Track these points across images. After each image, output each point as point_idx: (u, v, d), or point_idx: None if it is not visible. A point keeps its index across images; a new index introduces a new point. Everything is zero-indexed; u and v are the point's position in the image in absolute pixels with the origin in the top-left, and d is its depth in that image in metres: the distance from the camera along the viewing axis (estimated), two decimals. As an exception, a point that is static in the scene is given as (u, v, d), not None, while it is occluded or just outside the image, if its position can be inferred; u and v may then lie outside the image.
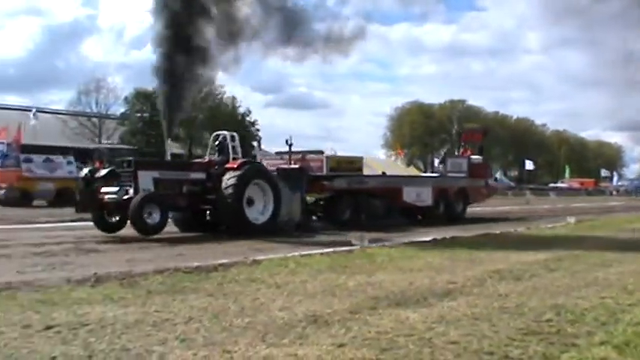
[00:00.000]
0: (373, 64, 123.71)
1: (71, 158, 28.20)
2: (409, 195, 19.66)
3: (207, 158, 16.19)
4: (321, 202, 18.00)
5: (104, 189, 13.78)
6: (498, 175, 75.30)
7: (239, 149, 15.73)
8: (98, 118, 51.77)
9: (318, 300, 6.53)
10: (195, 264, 9.07)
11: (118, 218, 14.00)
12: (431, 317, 5.71)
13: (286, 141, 17.96)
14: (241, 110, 62.82)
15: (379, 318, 5.70)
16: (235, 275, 8.20)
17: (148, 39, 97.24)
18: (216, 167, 15.12)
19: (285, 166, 17.32)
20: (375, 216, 18.54)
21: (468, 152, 24.42)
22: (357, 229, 14.14)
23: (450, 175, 22.76)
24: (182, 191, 14.48)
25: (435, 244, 12.80)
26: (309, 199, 17.64)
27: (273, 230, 14.73)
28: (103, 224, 14.00)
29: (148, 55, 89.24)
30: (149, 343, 4.85)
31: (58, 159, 27.61)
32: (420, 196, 19.97)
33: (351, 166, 18.53)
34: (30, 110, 40.05)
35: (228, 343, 4.85)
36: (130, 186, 13.64)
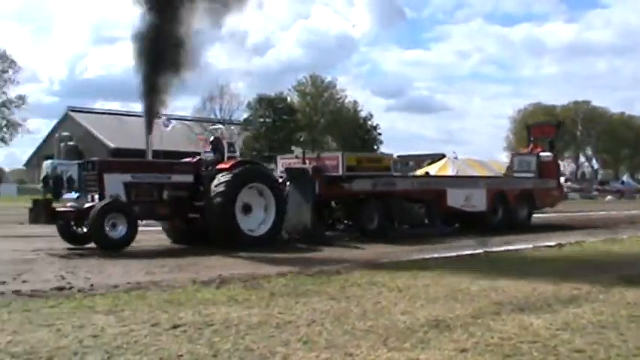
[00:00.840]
0: (494, 66, 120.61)
1: None
2: (455, 198, 17.37)
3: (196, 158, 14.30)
4: (344, 208, 16.25)
5: (66, 196, 12.64)
6: (625, 177, 70.93)
7: (237, 147, 14.39)
8: (222, 123, 54.54)
9: (440, 304, 6.61)
10: (318, 267, 9.47)
11: (86, 229, 12.35)
12: (555, 324, 5.68)
13: (299, 136, 17.63)
14: (362, 114, 63.99)
15: (502, 324, 5.72)
16: (357, 279, 8.40)
17: (270, 46, 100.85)
18: (206, 168, 13.58)
19: (292, 167, 15.77)
20: (412, 223, 16.90)
21: (538, 149, 21.70)
22: (385, 241, 14.00)
23: (516, 174, 20.57)
24: (162, 197, 12.84)
25: (559, 248, 12.65)
26: (332, 204, 16.20)
27: (274, 243, 13.16)
28: (68, 235, 12.50)
29: (270, 61, 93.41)
30: (272, 344, 5.03)
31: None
32: (470, 199, 17.67)
33: (375, 165, 16.25)
34: (161, 117, 42.93)
35: (350, 346, 4.97)
36: (96, 191, 12.23)
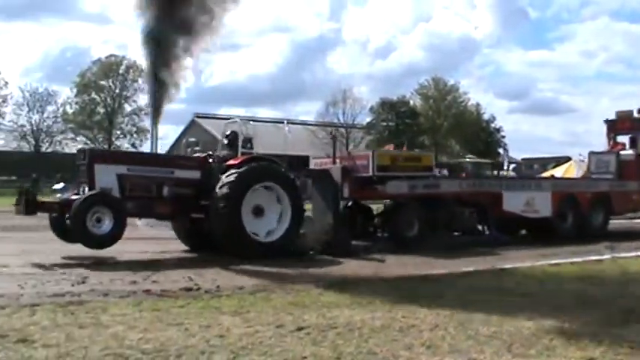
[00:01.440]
0: (621, 65, 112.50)
1: None
2: (513, 202, 15.76)
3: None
4: (379, 214, 15.21)
5: (55, 186, 12.19)
6: None
7: (253, 143, 13.53)
8: (345, 128, 55.45)
9: (566, 311, 6.58)
10: (442, 271, 9.41)
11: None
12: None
13: (330, 132, 16.61)
14: (485, 117, 62.98)
15: (632, 332, 5.65)
16: (481, 283, 8.54)
17: (392, 49, 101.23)
18: (215, 164, 12.80)
19: (314, 168, 14.84)
20: (462, 230, 15.62)
21: (619, 146, 19.42)
22: (422, 252, 12.80)
23: (594, 176, 18.56)
24: (162, 194, 12.06)
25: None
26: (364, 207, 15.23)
27: (287, 251, 12.03)
28: (59, 229, 11.79)
29: (392, 64, 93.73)
30: (395, 347, 5.19)
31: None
32: (531, 204, 16.01)
33: (413, 164, 14.73)
34: (282, 122, 44.32)
35: (473, 351, 5.09)
36: (87, 183, 11.66)
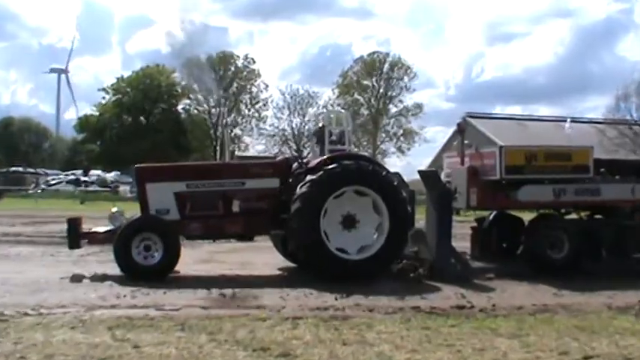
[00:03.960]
0: None
1: None
2: None
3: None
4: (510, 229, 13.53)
5: (112, 209, 12.20)
6: None
7: (348, 139, 12.59)
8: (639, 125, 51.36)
9: None
10: None
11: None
12: None
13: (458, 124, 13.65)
14: None
15: None
16: None
17: None
18: (295, 170, 12.17)
19: (424, 169, 13.51)
20: (638, 252, 12.93)
21: None
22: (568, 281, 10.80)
23: None
24: (232, 210, 11.72)
25: None
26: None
27: (376, 275, 10.98)
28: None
29: None
30: None
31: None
32: None
33: (560, 163, 12.59)
34: (564, 120, 42.44)
35: None
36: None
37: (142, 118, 65.52)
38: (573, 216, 13.54)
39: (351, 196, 11.47)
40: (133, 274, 10.59)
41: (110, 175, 57.84)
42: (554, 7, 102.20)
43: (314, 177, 11.16)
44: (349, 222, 11.44)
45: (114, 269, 10.91)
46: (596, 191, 12.67)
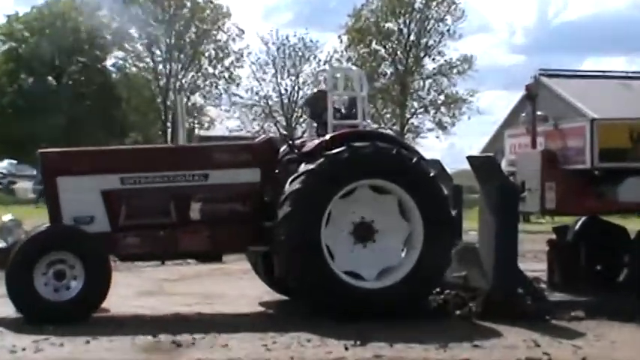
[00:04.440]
0: None
1: None
2: None
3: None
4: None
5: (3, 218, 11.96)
6: None
7: (362, 110, 12.37)
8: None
9: None
10: None
11: None
12: None
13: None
14: None
15: None
16: None
17: None
18: (284, 156, 12.06)
19: (475, 155, 13.71)
20: None
21: None
22: None
23: None
24: (188, 216, 11.69)
25: None
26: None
27: (407, 309, 10.91)
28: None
29: None
30: None
31: None
32: None
33: None
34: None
35: None
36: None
37: (50, 78, 64.50)
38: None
39: (367, 194, 11.44)
40: (38, 315, 10.34)
41: (2, 166, 55.22)
42: None
43: (311, 166, 10.96)
44: (364, 232, 11.37)
45: (7, 307, 10.68)
46: None
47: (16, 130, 56.66)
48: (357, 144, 11.13)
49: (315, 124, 12.90)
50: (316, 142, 11.63)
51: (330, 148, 11.13)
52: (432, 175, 11.41)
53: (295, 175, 11.04)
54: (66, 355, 8.76)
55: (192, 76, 64.08)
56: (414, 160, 11.41)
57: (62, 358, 8.62)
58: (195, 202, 11.70)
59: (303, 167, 11.08)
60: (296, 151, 11.83)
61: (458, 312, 11.30)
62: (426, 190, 11.24)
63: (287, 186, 11.00)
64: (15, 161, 53.60)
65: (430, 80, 64.11)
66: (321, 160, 10.96)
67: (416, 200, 11.18)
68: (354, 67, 13.89)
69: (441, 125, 63.83)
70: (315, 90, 13.55)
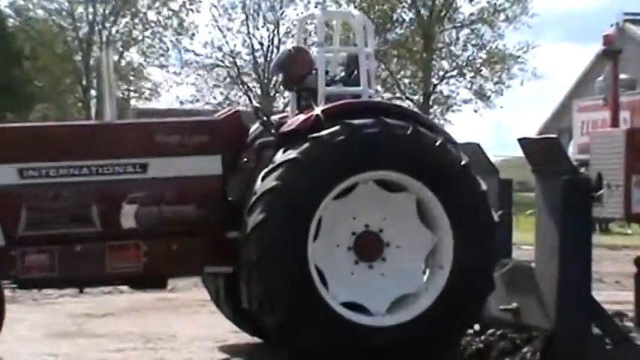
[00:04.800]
0: None
1: None
2: None
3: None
4: None
5: None
6: None
7: (366, 73, 12.10)
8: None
9: None
10: None
11: None
12: None
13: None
14: None
15: None
16: None
17: None
18: (255, 137, 12.29)
19: (533, 137, 13.72)
20: None
21: None
22: None
23: None
24: (119, 224, 11.69)
25: None
26: None
27: (432, 355, 11.16)
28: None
29: None
30: None
31: None
32: None
33: None
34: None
35: None
36: None
37: None
38: None
39: (372, 192, 11.47)
40: None
41: None
42: None
43: (294, 154, 10.85)
44: (370, 247, 11.41)
45: None
46: None
47: None
48: (357, 121, 11.06)
49: (301, 94, 12.62)
50: (301, 118, 11.53)
51: (321, 127, 11.00)
52: (465, 164, 11.35)
53: (271, 166, 10.92)
54: None
55: (127, 23, 64.09)
56: (438, 142, 11.29)
57: None
58: (129, 203, 11.57)
59: (281, 155, 10.97)
60: (273, 131, 11.83)
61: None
62: (458, 186, 11.20)
63: (259, 182, 10.91)
64: None
65: (467, 30, 64.34)
66: (307, 144, 10.86)
67: (443, 200, 11.17)
68: (355, 11, 13.52)
69: (481, 94, 64.00)
70: (291, 48, 13.21)
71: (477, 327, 12.00)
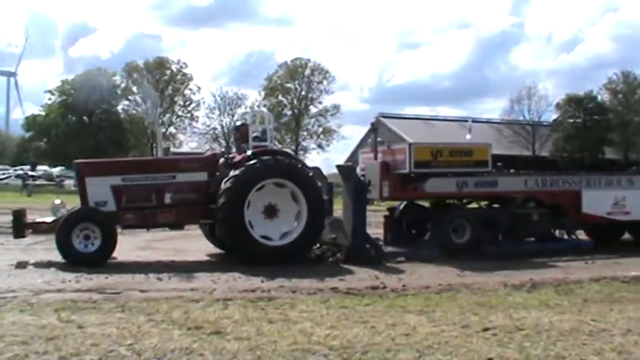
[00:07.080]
0: None
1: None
2: (596, 203, 13.48)
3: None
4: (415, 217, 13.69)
5: (55, 201, 12.16)
6: None
7: (270, 136, 12.56)
8: (531, 125, 53.45)
9: None
10: (633, 273, 8.85)
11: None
12: None
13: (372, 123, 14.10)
14: None
15: None
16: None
17: (578, 42, 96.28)
18: (222, 165, 12.08)
19: (342, 164, 13.72)
20: (532, 237, 13.64)
21: None
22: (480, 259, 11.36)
23: None
24: (164, 201, 11.62)
25: None
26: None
27: (298, 259, 11.07)
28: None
29: (577, 58, 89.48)
30: (584, 352, 5.15)
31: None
32: (622, 204, 13.63)
33: (462, 159, 12.83)
34: (466, 121, 44.01)
35: None
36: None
37: (84, 117, 63.24)
38: (474, 205, 13.87)
39: (272, 187, 11.45)
40: (74, 261, 10.41)
41: (56, 170, 55.72)
42: (456, 19, 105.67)
43: (236, 172, 11.17)
44: (271, 211, 11.48)
45: (59, 256, 10.63)
46: (494, 183, 13.15)
47: (65, 148, 56.93)
48: (264, 157, 11.43)
49: (241, 145, 12.65)
50: (241, 156, 11.83)
51: (249, 160, 11.38)
52: (310, 174, 11.81)
53: (228, 177, 11.20)
54: (93, 284, 8.72)
55: (169, 116, 62.53)
56: (299, 166, 12.03)
57: (91, 286, 8.59)
58: (168, 192, 11.65)
59: (232, 172, 11.25)
60: (229, 162, 11.93)
61: (330, 259, 11.46)
62: (307, 184, 11.47)
63: (222, 184, 11.17)
64: (64, 167, 53.17)
65: (314, 119, 63.74)
66: (243, 168, 11.22)
67: (302, 191, 11.37)
68: (266, 110, 13.74)
69: (320, 146, 63.41)
70: (238, 124, 13.72)
71: (317, 245, 11.87)
